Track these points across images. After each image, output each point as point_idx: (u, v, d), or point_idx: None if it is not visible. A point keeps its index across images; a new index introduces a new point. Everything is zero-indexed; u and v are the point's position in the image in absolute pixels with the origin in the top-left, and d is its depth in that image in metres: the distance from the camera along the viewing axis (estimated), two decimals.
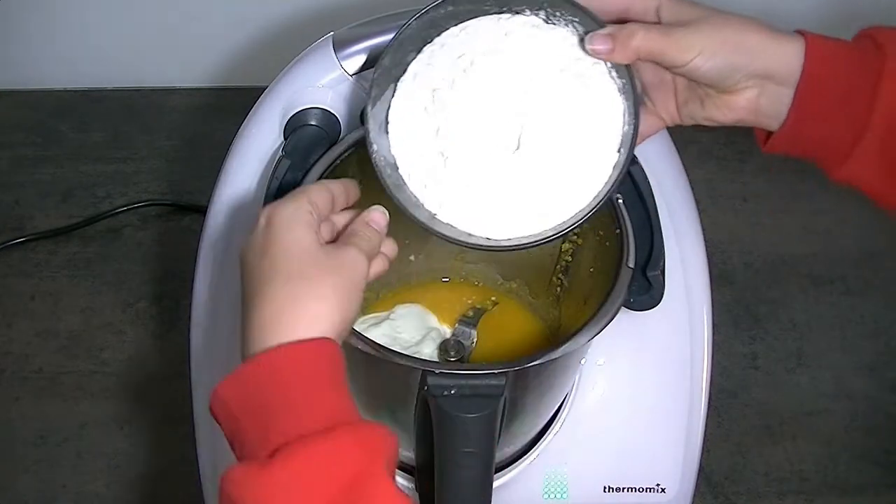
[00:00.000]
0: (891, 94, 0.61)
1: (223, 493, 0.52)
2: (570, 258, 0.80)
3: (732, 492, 1.05)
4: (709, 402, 0.83)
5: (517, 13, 0.66)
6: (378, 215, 0.64)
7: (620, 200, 0.72)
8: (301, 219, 0.59)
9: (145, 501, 1.03)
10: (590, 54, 0.65)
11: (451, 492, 0.66)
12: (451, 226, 0.67)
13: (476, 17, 0.66)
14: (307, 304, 0.57)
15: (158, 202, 1.29)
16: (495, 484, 0.76)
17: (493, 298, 0.87)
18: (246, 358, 0.57)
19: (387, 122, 0.67)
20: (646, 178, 0.75)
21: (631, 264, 0.69)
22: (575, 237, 0.79)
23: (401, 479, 0.81)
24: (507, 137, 0.66)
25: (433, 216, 0.67)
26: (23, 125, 1.40)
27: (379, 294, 0.87)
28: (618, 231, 0.71)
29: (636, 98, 0.65)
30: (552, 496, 0.81)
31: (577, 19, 0.66)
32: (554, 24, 0.66)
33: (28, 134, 1.39)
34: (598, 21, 0.65)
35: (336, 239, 0.62)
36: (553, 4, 0.66)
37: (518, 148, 0.66)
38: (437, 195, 0.67)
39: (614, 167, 0.66)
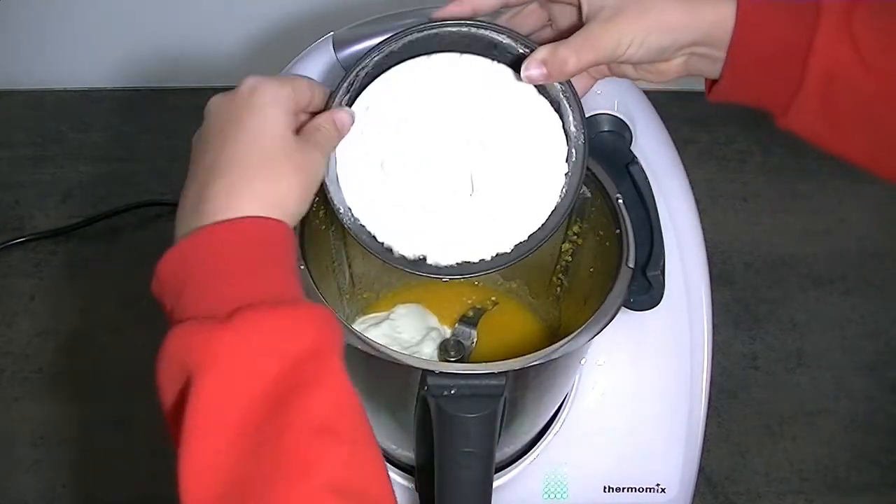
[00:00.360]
0: (824, 50, 0.61)
1: (167, 349, 0.51)
2: (570, 258, 0.81)
3: (732, 492, 1.05)
4: (709, 402, 0.83)
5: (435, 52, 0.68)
6: (345, 116, 0.64)
7: (620, 200, 0.72)
8: (282, 103, 0.59)
9: (145, 501, 1.03)
10: (523, 80, 0.65)
11: (451, 492, 0.66)
12: (418, 260, 0.68)
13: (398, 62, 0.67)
14: (272, 185, 0.56)
15: (158, 202, 1.29)
16: (495, 484, 0.76)
17: (493, 298, 0.87)
18: (197, 219, 0.56)
19: (337, 177, 0.68)
20: (646, 178, 0.75)
21: (631, 264, 0.69)
22: (575, 237, 0.79)
23: (401, 479, 0.81)
24: (460, 184, 0.68)
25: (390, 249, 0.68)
26: (23, 125, 1.40)
27: (379, 294, 0.87)
28: (618, 231, 0.71)
29: (578, 104, 0.66)
30: (552, 496, 0.81)
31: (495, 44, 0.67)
32: (472, 53, 0.68)
33: (28, 134, 1.39)
34: (517, 40, 0.65)
35: (299, 130, 0.62)
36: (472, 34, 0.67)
37: (473, 192, 0.68)
38: (395, 238, 0.69)
39: (567, 180, 0.67)
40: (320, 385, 0.50)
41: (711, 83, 0.66)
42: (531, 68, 0.64)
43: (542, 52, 0.64)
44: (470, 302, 0.86)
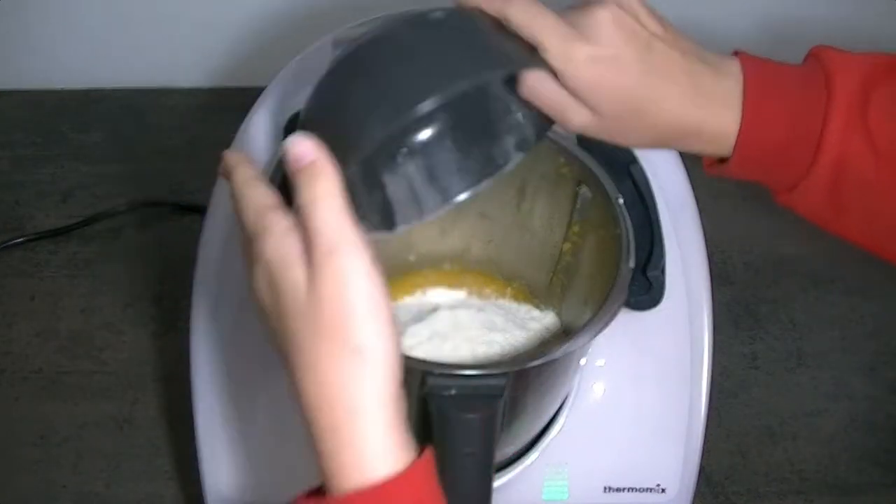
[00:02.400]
0: (836, 142, 0.60)
1: None
2: (570, 258, 0.81)
3: (732, 492, 1.05)
4: (709, 402, 0.83)
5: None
6: None
7: (620, 200, 0.72)
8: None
9: (145, 501, 1.03)
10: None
11: (451, 492, 0.66)
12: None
13: None
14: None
15: (158, 202, 1.29)
16: (495, 484, 0.76)
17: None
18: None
19: None
20: (646, 178, 0.75)
21: (631, 264, 0.69)
22: (575, 237, 0.79)
23: None
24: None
25: None
26: (23, 125, 1.40)
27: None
28: (618, 231, 0.71)
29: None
30: (552, 496, 0.81)
31: None
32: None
33: (28, 134, 1.38)
34: None
35: None
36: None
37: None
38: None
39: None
40: None
41: (710, 160, 0.65)
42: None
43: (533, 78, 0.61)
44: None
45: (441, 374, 0.64)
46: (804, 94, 0.61)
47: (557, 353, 0.66)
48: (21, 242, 1.24)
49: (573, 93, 0.60)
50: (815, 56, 0.63)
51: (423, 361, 0.65)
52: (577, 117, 0.61)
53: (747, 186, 1.34)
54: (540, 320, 0.83)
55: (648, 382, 0.82)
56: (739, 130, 0.61)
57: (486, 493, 0.67)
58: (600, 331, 0.66)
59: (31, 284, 1.21)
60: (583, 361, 0.79)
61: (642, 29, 0.60)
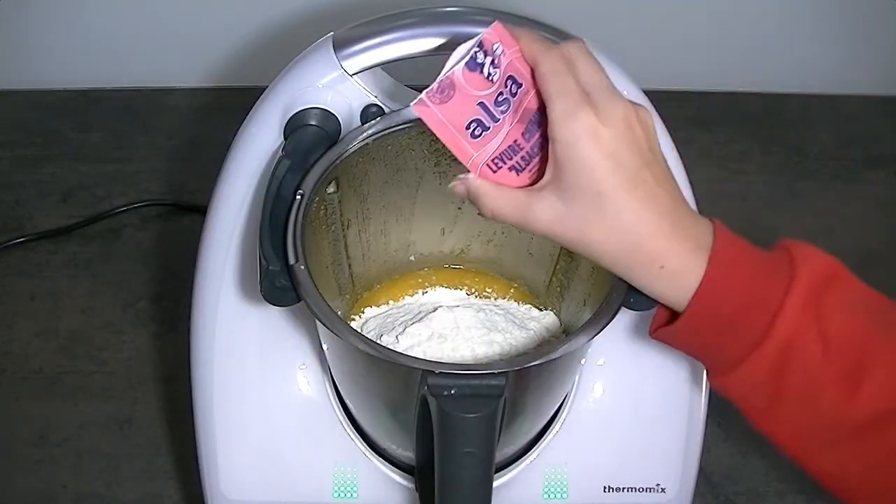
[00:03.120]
0: (790, 318, 0.60)
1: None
2: (569, 258, 0.81)
3: (732, 492, 1.05)
4: (709, 402, 0.83)
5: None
6: None
7: None
8: None
9: (145, 501, 1.03)
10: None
11: (451, 492, 0.66)
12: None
13: None
14: None
15: (158, 202, 1.29)
16: (495, 484, 0.76)
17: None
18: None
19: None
20: None
21: None
22: None
23: (401, 479, 0.81)
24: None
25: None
26: (23, 125, 1.40)
27: (379, 293, 0.87)
28: None
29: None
30: (552, 496, 0.81)
31: None
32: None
33: (28, 134, 1.39)
34: None
35: None
36: None
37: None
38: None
39: None
40: None
41: (657, 324, 0.64)
42: (457, 185, 0.63)
43: (477, 185, 0.62)
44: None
45: (441, 374, 0.64)
46: (770, 267, 0.62)
47: (557, 353, 0.66)
48: (21, 242, 1.24)
49: (560, 157, 0.59)
50: (783, 245, 0.64)
51: (424, 361, 0.65)
52: (540, 208, 0.60)
53: (747, 187, 1.35)
54: (540, 320, 0.83)
55: (648, 382, 0.82)
56: (702, 279, 0.60)
57: (486, 492, 0.67)
58: (600, 331, 0.66)
59: (31, 284, 1.21)
60: (583, 361, 0.79)
61: (650, 144, 0.61)
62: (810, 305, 0.60)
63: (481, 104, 0.61)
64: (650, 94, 0.86)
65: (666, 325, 0.63)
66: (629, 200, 0.59)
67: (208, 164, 0.87)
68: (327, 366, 0.80)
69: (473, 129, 0.61)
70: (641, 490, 0.82)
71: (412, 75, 0.84)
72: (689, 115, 1.39)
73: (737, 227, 1.16)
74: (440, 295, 0.85)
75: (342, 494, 0.81)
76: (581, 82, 0.59)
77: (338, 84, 0.78)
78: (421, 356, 0.68)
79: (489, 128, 0.62)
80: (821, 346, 0.60)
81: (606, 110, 0.59)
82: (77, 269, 1.22)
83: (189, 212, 1.28)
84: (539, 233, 0.61)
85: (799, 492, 1.05)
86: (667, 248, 0.60)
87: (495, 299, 0.86)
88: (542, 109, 0.61)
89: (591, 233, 0.59)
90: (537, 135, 0.62)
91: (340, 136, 0.77)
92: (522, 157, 0.63)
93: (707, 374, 0.65)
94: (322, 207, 0.75)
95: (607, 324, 0.67)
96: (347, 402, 0.80)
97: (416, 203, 0.82)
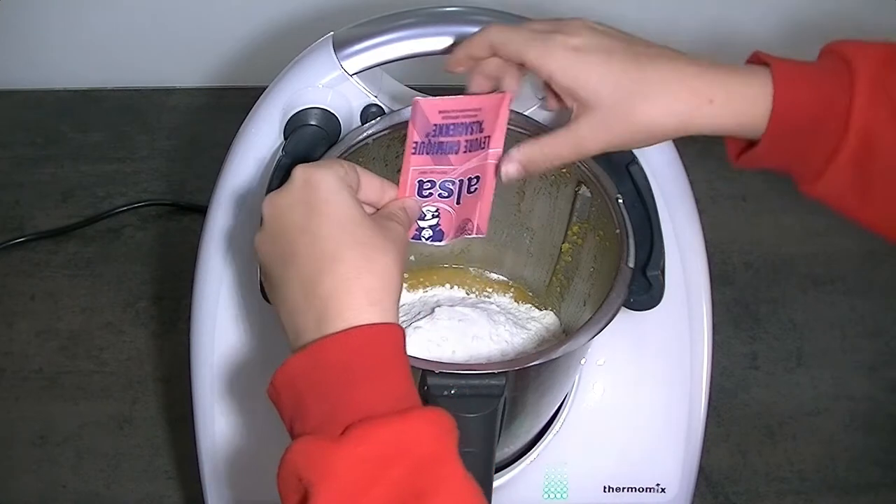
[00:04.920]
0: (862, 112, 0.61)
1: (286, 464, 0.52)
2: (570, 258, 0.81)
3: (732, 492, 1.05)
4: (709, 402, 0.83)
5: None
6: (414, 204, 0.65)
7: (620, 200, 0.72)
8: (346, 187, 0.58)
9: (145, 501, 1.03)
10: (503, 179, 0.67)
11: None
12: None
13: None
14: (369, 279, 0.55)
15: (158, 202, 1.29)
16: (495, 484, 0.76)
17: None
18: (315, 325, 0.55)
19: None
20: (646, 178, 0.75)
21: (631, 264, 0.69)
22: (575, 237, 0.79)
23: None
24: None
25: None
26: (23, 125, 1.40)
27: None
28: (618, 231, 0.71)
29: None
30: (552, 496, 0.81)
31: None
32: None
33: (28, 134, 1.38)
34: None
35: None
36: None
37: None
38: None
39: None
40: (440, 492, 0.50)
41: (737, 150, 0.65)
42: (510, 169, 0.66)
43: (524, 151, 0.65)
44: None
45: (441, 374, 0.64)
46: (829, 75, 0.62)
47: (557, 353, 0.66)
48: (21, 242, 1.24)
49: (564, 89, 0.63)
50: (830, 49, 0.64)
51: (424, 361, 0.65)
52: (582, 131, 0.63)
53: (747, 187, 1.35)
54: (540, 320, 0.83)
55: (648, 382, 0.82)
56: (774, 98, 0.61)
57: (486, 493, 0.67)
58: (600, 331, 0.66)
59: (31, 284, 1.21)
60: (583, 361, 0.79)
61: (620, 31, 0.64)
62: (878, 92, 0.61)
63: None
64: None
65: (744, 151, 0.65)
66: (643, 66, 0.62)
67: (208, 164, 0.87)
68: None
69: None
70: (641, 490, 0.82)
71: (412, 75, 0.84)
72: None
73: (737, 227, 1.16)
74: (440, 295, 0.85)
75: None
76: (531, 29, 0.64)
77: (338, 84, 0.78)
78: (421, 356, 0.68)
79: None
80: None
81: (566, 27, 0.63)
82: (77, 269, 1.22)
83: (189, 212, 1.28)
84: (595, 153, 0.65)
85: (799, 492, 1.05)
86: (710, 82, 0.61)
87: (495, 299, 0.86)
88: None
89: (638, 117, 0.62)
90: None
91: (340, 136, 0.77)
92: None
93: (796, 183, 0.66)
94: None
95: (607, 324, 0.67)
96: None
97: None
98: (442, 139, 0.66)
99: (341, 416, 0.52)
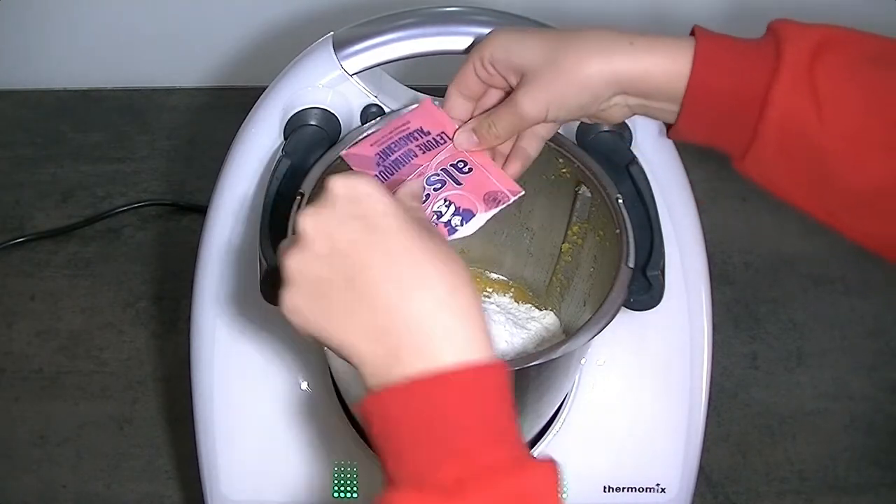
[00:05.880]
0: (781, 101, 0.60)
1: None
2: (570, 258, 0.81)
3: (732, 492, 1.05)
4: (709, 402, 0.83)
5: None
6: (416, 187, 0.64)
7: (620, 200, 0.72)
8: (389, 194, 0.53)
9: (145, 501, 1.03)
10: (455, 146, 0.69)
11: None
12: None
13: None
14: (457, 289, 0.50)
15: (158, 202, 1.29)
16: None
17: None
18: (388, 362, 0.50)
19: None
20: (646, 178, 0.75)
21: (631, 264, 0.69)
22: (575, 237, 0.79)
23: None
24: None
25: None
26: (23, 125, 1.40)
27: None
28: (618, 231, 0.71)
29: None
30: None
31: None
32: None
33: (28, 134, 1.39)
34: None
35: None
36: None
37: None
38: None
39: None
40: None
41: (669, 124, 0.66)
42: (461, 137, 0.68)
43: (472, 122, 0.68)
44: None
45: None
46: (754, 52, 0.62)
47: (557, 353, 0.66)
48: (21, 242, 1.24)
49: (507, 65, 0.65)
50: (771, 28, 0.64)
51: None
52: (523, 101, 0.65)
53: (747, 187, 1.34)
54: (540, 320, 0.83)
55: (648, 382, 0.82)
56: (690, 74, 0.62)
57: None
58: (600, 331, 0.66)
59: (31, 284, 1.21)
60: (583, 361, 0.79)
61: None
62: (801, 81, 0.60)
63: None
64: None
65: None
66: (572, 32, 0.64)
67: (208, 164, 0.87)
68: (327, 365, 0.80)
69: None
70: (641, 490, 0.82)
71: (412, 75, 0.84)
72: None
73: (737, 227, 1.15)
74: None
75: (342, 494, 0.81)
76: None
77: (338, 84, 0.78)
78: None
79: None
80: (817, 116, 0.60)
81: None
82: (77, 269, 1.22)
83: (189, 212, 1.28)
84: (538, 117, 0.65)
85: (799, 492, 1.05)
86: (633, 35, 0.63)
87: (495, 299, 0.86)
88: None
89: (566, 68, 0.63)
90: None
91: (340, 136, 0.77)
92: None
93: (730, 161, 0.66)
94: None
95: (607, 324, 0.67)
96: (347, 402, 0.80)
97: None
98: (393, 157, 0.69)
99: (448, 465, 0.47)
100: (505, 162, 0.70)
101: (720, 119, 0.63)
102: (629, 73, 0.63)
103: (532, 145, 0.69)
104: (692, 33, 0.64)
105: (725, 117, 0.62)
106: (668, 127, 0.66)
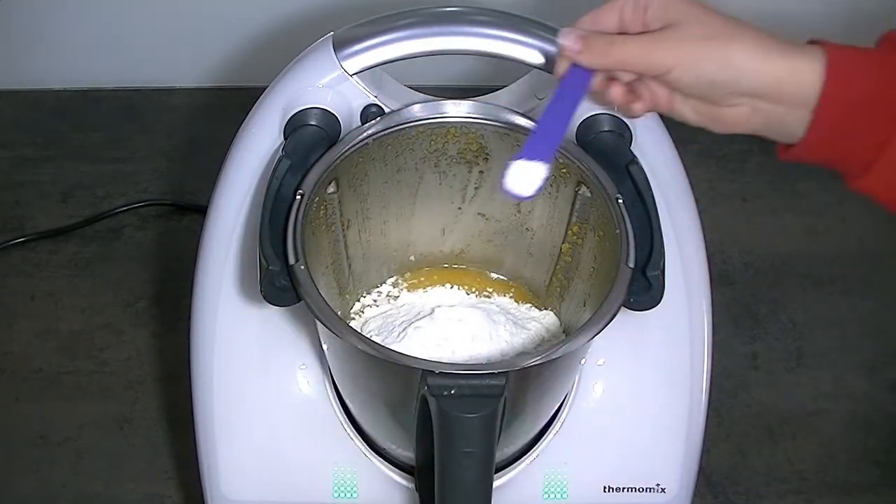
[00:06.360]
0: None
1: None
2: (570, 258, 0.81)
3: (732, 492, 1.05)
4: (709, 402, 0.83)
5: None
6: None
7: (620, 200, 0.72)
8: None
9: (145, 501, 1.03)
10: (557, 48, 0.65)
11: (451, 492, 0.66)
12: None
13: None
14: None
15: (158, 202, 1.29)
16: (495, 484, 0.76)
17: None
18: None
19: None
20: (646, 178, 0.75)
21: (631, 264, 0.69)
22: (575, 237, 0.79)
23: (401, 479, 0.81)
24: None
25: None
26: (23, 125, 1.40)
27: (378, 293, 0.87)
28: (618, 231, 0.71)
29: None
30: (552, 496, 0.81)
31: None
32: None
33: (28, 134, 1.39)
34: None
35: None
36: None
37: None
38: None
39: None
40: None
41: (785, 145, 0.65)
42: (567, 38, 0.64)
43: (593, 37, 0.64)
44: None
45: (441, 374, 0.64)
46: (884, 62, 0.61)
47: (557, 353, 0.66)
48: (21, 242, 1.24)
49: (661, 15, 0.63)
50: (887, 38, 0.63)
51: (424, 361, 0.65)
52: (666, 49, 0.63)
53: (747, 187, 1.35)
54: (540, 320, 0.83)
55: (648, 382, 0.82)
56: (823, 84, 0.61)
57: (486, 493, 0.67)
58: (600, 331, 0.66)
59: (31, 284, 1.21)
60: (583, 361, 0.79)
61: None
62: None
63: None
64: None
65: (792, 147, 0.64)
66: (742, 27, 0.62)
67: (208, 164, 0.87)
68: (327, 366, 0.80)
69: None
70: (641, 490, 0.82)
71: (412, 75, 0.84)
72: None
73: (737, 226, 1.15)
74: (440, 295, 0.85)
75: (342, 494, 0.81)
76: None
77: (338, 84, 0.78)
78: (421, 356, 0.68)
79: None
80: None
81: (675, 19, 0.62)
82: (77, 269, 1.22)
83: (189, 212, 1.28)
84: (662, 68, 0.63)
85: (799, 492, 1.05)
86: (776, 72, 0.61)
87: (495, 299, 0.86)
88: None
89: (728, 53, 0.62)
90: None
91: (340, 136, 0.77)
92: None
93: (845, 178, 0.65)
94: (322, 207, 0.75)
95: (607, 324, 0.67)
96: (347, 402, 0.80)
97: (416, 203, 0.82)
98: None
99: None
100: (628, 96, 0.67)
101: (852, 127, 0.62)
102: (766, 77, 0.62)
103: (639, 106, 0.66)
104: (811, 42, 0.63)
105: (855, 131, 0.61)
106: (783, 148, 0.65)
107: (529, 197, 0.63)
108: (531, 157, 0.62)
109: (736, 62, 0.61)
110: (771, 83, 0.61)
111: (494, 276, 0.87)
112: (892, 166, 0.62)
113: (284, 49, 0.84)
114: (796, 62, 0.61)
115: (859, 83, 0.60)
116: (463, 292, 0.86)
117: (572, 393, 0.82)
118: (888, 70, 0.61)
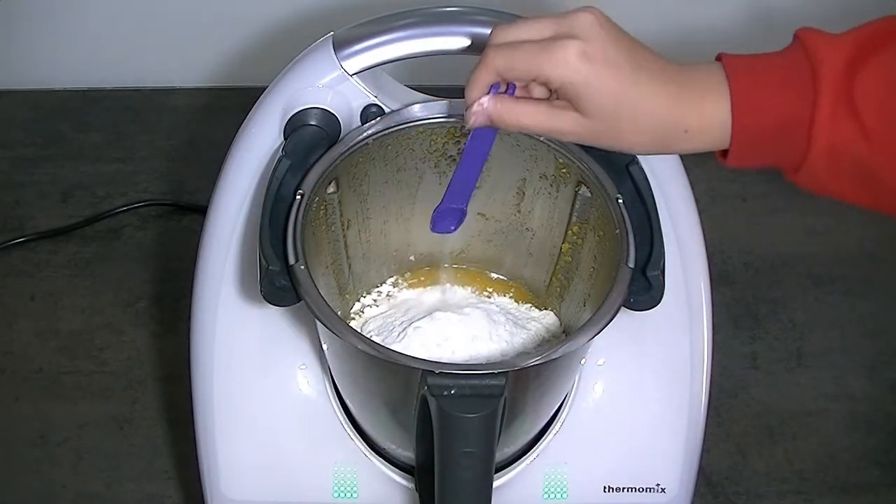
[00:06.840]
0: (825, 130, 0.61)
1: None
2: (569, 258, 0.81)
3: (732, 492, 1.05)
4: (709, 402, 0.83)
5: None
6: None
7: (620, 200, 0.72)
8: None
9: (145, 501, 1.03)
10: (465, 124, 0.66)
11: (451, 492, 0.66)
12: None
13: None
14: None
15: (158, 202, 1.29)
16: (495, 484, 0.76)
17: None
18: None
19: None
20: (646, 178, 0.75)
21: (631, 264, 0.69)
22: (575, 237, 0.79)
23: (401, 479, 0.81)
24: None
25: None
26: (23, 125, 1.40)
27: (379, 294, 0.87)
28: (618, 231, 0.71)
29: None
30: (552, 496, 0.81)
31: None
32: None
33: (28, 134, 1.39)
34: None
35: None
36: None
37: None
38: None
39: None
40: None
41: (720, 156, 0.66)
42: (476, 114, 0.64)
43: (494, 100, 0.63)
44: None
45: (441, 374, 0.64)
46: (790, 82, 0.62)
47: (557, 353, 0.66)
48: (21, 242, 1.24)
49: (570, 96, 0.62)
50: (800, 41, 0.63)
51: (424, 361, 0.65)
52: (566, 123, 0.63)
53: (747, 187, 1.35)
54: (540, 320, 0.83)
55: (648, 382, 0.82)
56: (732, 119, 0.62)
57: (486, 492, 0.67)
58: (600, 331, 0.66)
59: (31, 284, 1.21)
60: (583, 361, 0.79)
61: (624, 32, 0.63)
62: (841, 106, 0.60)
63: None
64: None
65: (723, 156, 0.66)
66: (642, 93, 0.62)
67: (208, 164, 0.87)
68: (327, 366, 0.80)
69: None
70: (641, 490, 0.82)
71: (412, 75, 0.84)
72: None
73: (737, 227, 1.15)
74: (440, 295, 0.85)
75: (342, 494, 0.81)
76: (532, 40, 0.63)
77: (338, 84, 0.78)
78: (421, 356, 0.68)
79: None
80: (864, 141, 0.60)
81: (576, 28, 0.62)
82: (77, 269, 1.22)
83: (189, 212, 1.28)
84: (567, 140, 0.66)
85: (799, 492, 1.05)
86: (686, 112, 0.62)
87: (495, 299, 0.86)
88: None
89: (624, 139, 0.63)
90: None
91: (340, 136, 0.77)
92: None
93: (783, 175, 0.66)
94: (322, 207, 0.75)
95: (607, 324, 0.67)
96: (347, 402, 0.80)
97: (416, 203, 0.82)
98: None
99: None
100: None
101: (767, 149, 0.63)
102: (678, 152, 0.66)
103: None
104: (718, 59, 0.64)
105: (772, 148, 0.63)
106: (717, 155, 0.66)
107: (453, 230, 0.71)
108: (451, 205, 0.69)
109: (638, 148, 0.65)
110: (679, 133, 0.63)
111: (494, 276, 0.87)
112: (817, 172, 0.63)
113: (284, 49, 0.84)
114: (703, 105, 0.62)
115: (768, 115, 0.62)
116: (463, 292, 0.86)
117: (572, 393, 0.82)
118: (794, 90, 0.61)
